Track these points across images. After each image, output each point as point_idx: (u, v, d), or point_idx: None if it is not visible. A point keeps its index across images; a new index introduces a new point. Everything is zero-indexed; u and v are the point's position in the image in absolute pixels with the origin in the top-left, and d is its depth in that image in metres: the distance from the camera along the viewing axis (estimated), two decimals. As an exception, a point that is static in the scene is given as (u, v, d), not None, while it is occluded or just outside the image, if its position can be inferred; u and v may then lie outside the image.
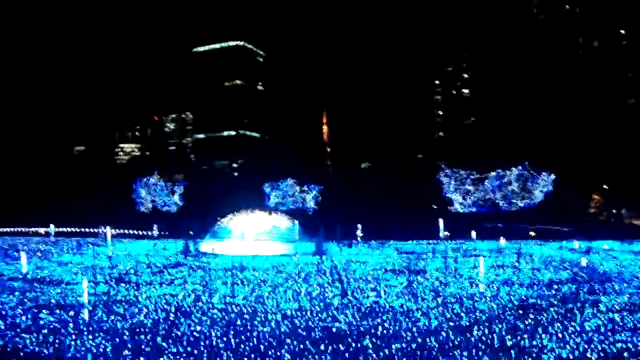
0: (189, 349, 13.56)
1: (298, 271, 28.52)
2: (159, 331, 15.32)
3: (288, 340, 14.29)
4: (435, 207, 78.19)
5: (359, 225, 49.71)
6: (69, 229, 53.48)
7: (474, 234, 48.33)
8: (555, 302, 19.56)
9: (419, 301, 19.94)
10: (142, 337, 14.69)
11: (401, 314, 17.66)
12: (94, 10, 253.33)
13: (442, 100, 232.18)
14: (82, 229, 52.97)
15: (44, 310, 17.88)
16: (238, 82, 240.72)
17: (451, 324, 16.29)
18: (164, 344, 14.00)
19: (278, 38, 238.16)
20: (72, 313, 17.55)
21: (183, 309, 18.43)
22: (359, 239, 48.38)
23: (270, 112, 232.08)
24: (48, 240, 48.76)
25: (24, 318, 16.87)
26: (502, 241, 44.72)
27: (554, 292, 21.83)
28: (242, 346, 13.80)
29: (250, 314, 17.62)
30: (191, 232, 43.60)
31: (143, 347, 13.73)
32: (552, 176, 60.85)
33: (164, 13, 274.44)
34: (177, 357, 12.90)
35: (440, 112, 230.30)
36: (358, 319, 16.91)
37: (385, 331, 15.36)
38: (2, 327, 15.78)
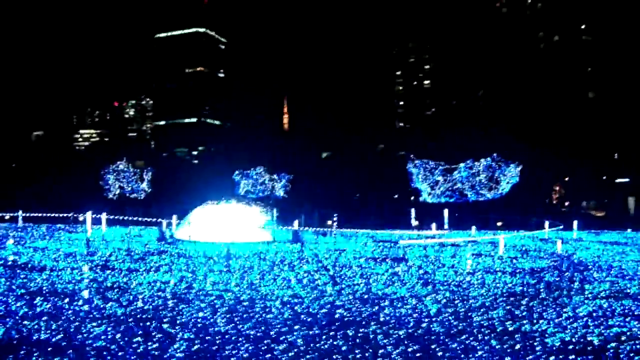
0: (199, 335, 13.53)
1: (281, 259, 28.66)
2: (163, 318, 15.21)
3: (296, 327, 14.40)
4: (396, 196, 79.08)
5: (335, 215, 50.01)
6: (35, 215, 52.29)
7: (446, 223, 49.17)
8: (542, 290, 20.18)
9: (410, 289, 20.29)
10: (148, 323, 14.59)
11: (397, 301, 17.94)
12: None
13: (403, 91, 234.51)
14: (50, 215, 51.87)
15: (37, 297, 17.54)
16: (199, 68, 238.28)
17: (449, 310, 16.64)
18: (172, 330, 13.93)
19: (239, 25, 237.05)
20: (67, 300, 17.28)
21: (179, 296, 18.35)
22: (333, 227, 48.67)
23: (232, 99, 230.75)
24: (16, 227, 47.68)
25: (19, 305, 16.50)
26: (473, 230, 45.58)
27: (537, 280, 22.48)
28: (253, 332, 13.82)
29: (248, 301, 17.64)
30: (162, 220, 43.18)
31: (153, 333, 13.65)
32: (519, 167, 62.26)
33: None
34: (190, 343, 12.86)
35: (402, 103, 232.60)
36: (357, 306, 17.10)
37: (387, 317, 15.58)
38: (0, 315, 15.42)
